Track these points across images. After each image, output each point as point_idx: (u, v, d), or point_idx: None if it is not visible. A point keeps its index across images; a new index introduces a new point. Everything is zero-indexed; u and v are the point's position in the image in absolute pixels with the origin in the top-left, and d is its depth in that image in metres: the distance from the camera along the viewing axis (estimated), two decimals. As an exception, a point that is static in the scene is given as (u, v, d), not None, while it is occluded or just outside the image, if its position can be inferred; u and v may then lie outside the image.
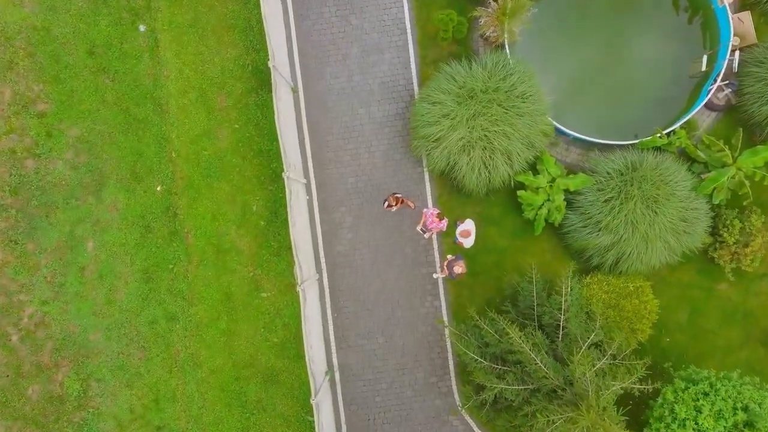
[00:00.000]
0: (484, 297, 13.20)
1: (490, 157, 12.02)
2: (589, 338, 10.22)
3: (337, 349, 13.25)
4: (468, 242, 11.88)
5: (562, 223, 12.59)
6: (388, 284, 13.27)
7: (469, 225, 11.89)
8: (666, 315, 12.89)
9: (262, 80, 13.43)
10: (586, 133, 12.89)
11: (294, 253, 11.26)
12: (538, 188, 12.51)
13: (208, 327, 13.40)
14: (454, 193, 13.28)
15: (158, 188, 13.58)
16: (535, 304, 11.29)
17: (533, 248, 13.21)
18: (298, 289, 11.25)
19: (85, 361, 13.39)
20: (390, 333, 13.25)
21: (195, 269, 13.46)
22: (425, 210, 12.16)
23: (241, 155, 13.46)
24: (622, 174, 12.05)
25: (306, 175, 13.40)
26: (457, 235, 12.07)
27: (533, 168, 12.62)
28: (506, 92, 11.96)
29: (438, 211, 11.82)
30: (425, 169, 13.33)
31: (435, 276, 13.21)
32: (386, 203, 12.36)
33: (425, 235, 12.28)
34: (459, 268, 11.69)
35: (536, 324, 11.38)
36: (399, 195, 12.48)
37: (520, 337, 9.90)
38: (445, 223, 11.92)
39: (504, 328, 10.35)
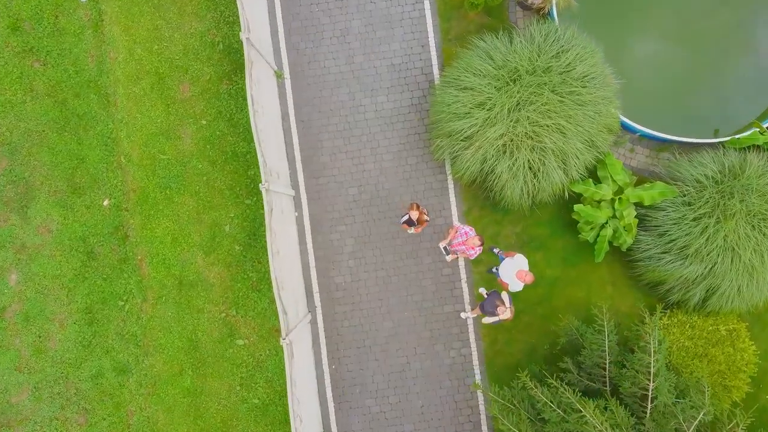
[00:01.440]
0: (527, 344, 10.13)
1: (539, 159, 8.96)
2: (697, 418, 7.16)
3: (336, 411, 10.16)
4: (518, 286, 8.78)
5: (633, 247, 9.54)
6: (403, 327, 10.20)
7: (522, 263, 8.74)
8: (766, 365, 9.85)
9: (236, 63, 10.38)
10: (655, 128, 9.87)
11: (276, 293, 8.18)
12: (600, 201, 9.46)
13: (168, 384, 10.31)
14: (487, 207, 10.24)
15: (104, 203, 10.50)
16: (607, 362, 8.22)
17: (590, 279, 10.16)
18: (282, 343, 8.16)
19: None
20: (405, 391, 10.16)
21: (151, 308, 10.36)
22: (459, 226, 9.08)
23: (209, 160, 10.39)
24: (717, 183, 9.00)
25: (294, 186, 10.34)
26: (499, 272, 8.99)
27: (592, 176, 9.57)
28: (561, 74, 8.92)
29: (479, 238, 8.71)
30: (449, 177, 10.28)
31: (464, 316, 10.15)
32: (405, 219, 9.30)
33: (447, 257, 9.26)
34: (504, 312, 8.62)
35: (608, 389, 8.32)
36: (423, 208, 9.49)
37: (599, 418, 6.82)
38: (479, 251, 8.85)
39: (571, 402, 7.27)
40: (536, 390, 7.71)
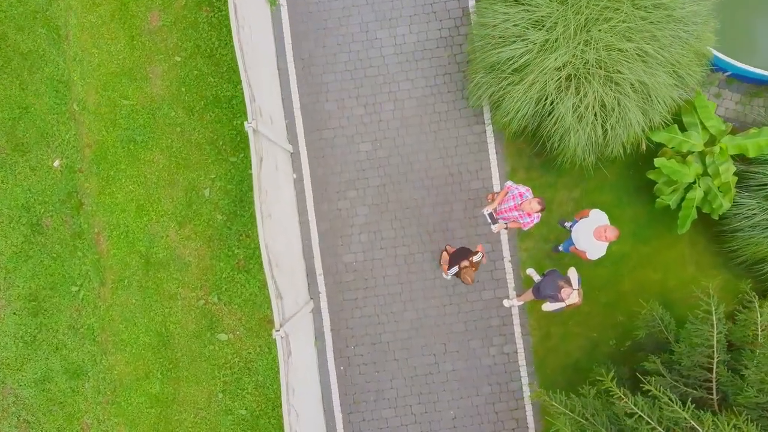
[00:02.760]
0: (587, 339, 7.98)
1: (614, 96, 6.83)
2: None
3: (345, 424, 8.01)
4: (600, 249, 6.63)
5: (729, 213, 7.41)
6: (429, 318, 8.05)
7: (600, 217, 6.64)
8: None
9: (219, -16, 8.24)
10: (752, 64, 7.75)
11: (266, 269, 6.02)
12: (688, 154, 7.33)
13: (132, 390, 8.14)
14: (536, 167, 8.10)
15: (54, 164, 8.35)
16: (715, 362, 6.08)
17: (668, 257, 8.02)
18: (275, 335, 6.02)
19: (-72, 447, 8.12)
20: (432, 398, 8.02)
21: (111, 295, 8.21)
22: (511, 185, 6.92)
23: (185, 107, 8.23)
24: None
25: (292, 141, 8.18)
26: (573, 240, 6.87)
27: (675, 123, 7.43)
28: (644, -18, 6.79)
29: (539, 201, 6.53)
30: (489, 128, 8.14)
31: (507, 304, 8.00)
32: (453, 269, 7.04)
33: (493, 227, 7.09)
34: (571, 295, 6.48)
35: (714, 397, 6.18)
36: (473, 257, 6.94)
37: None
38: (537, 219, 6.70)
39: (678, 417, 5.12)
40: (626, 399, 5.55)
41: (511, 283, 8.04)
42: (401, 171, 8.13)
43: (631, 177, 8.01)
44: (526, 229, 6.89)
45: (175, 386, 8.07)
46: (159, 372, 8.08)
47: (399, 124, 8.16)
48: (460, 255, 6.96)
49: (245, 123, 6.16)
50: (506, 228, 7.02)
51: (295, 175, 8.18)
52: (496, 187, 8.09)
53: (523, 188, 6.72)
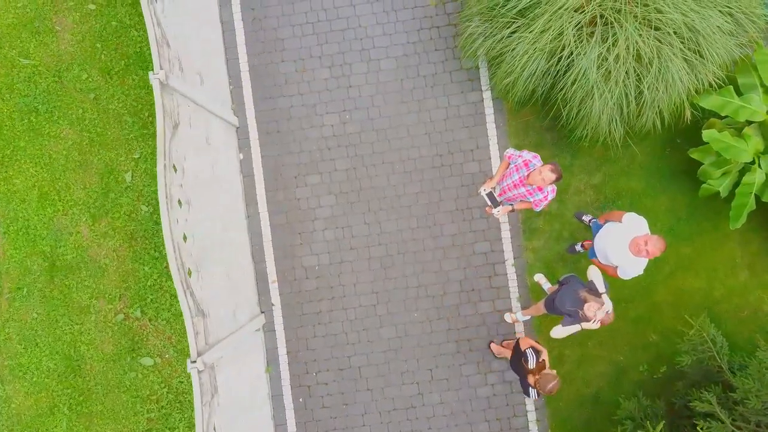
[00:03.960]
0: (611, 364, 6.29)
1: (653, 47, 5.15)
2: None
3: (305, 472, 6.29)
4: (638, 266, 4.91)
5: (798, 203, 5.75)
6: (412, 336, 6.34)
7: (638, 225, 4.89)
8: None
9: None
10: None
11: (175, 277, 4.29)
12: (745, 125, 5.67)
13: (32, 428, 6.39)
14: (547, 144, 6.41)
15: (-59, 141, 6.60)
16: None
17: (714, 260, 6.34)
18: (190, 368, 4.29)
19: None
20: (415, 439, 6.31)
21: (8, 307, 6.46)
22: (513, 153, 5.18)
23: (101, 68, 6.50)
24: None
25: (239, 111, 6.47)
26: (596, 249, 5.18)
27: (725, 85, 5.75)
28: None
29: (553, 167, 4.79)
30: (487, 94, 6.44)
31: (510, 319, 6.30)
32: (531, 391, 5.20)
33: (494, 211, 5.27)
34: (598, 313, 4.78)
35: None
36: (541, 356, 5.17)
37: None
38: (552, 193, 4.99)
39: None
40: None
41: (514, 293, 6.34)
42: (376, 150, 6.42)
43: (668, 157, 6.33)
44: (538, 209, 5.17)
45: (87, 424, 6.33)
46: (66, 406, 6.33)
47: (373, 91, 6.45)
48: (518, 361, 5.22)
49: (150, 73, 4.44)
50: (512, 210, 5.30)
51: (241, 155, 6.47)
52: (495, 171, 6.39)
53: (528, 154, 5.01)
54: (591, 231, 6.00)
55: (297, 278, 6.41)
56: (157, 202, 6.09)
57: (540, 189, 4.96)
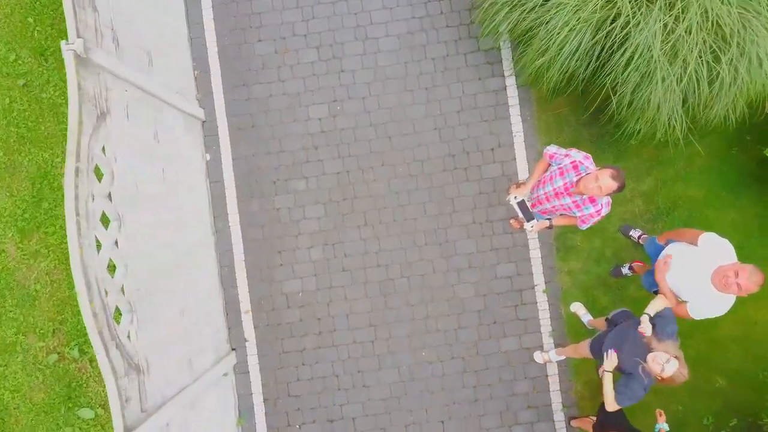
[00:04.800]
0: (668, 413, 5.05)
1: (737, 17, 3.94)
2: None
3: None
4: (722, 305, 3.68)
5: None
6: (418, 380, 5.11)
7: (722, 250, 3.65)
8: None
9: None
10: None
11: (87, 318, 3.02)
12: None
13: (-54, 495, 5.14)
14: (584, 141, 5.19)
15: None
16: None
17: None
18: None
19: None
20: None
21: None
22: (555, 152, 3.89)
23: (33, 47, 5.28)
24: None
25: (206, 102, 5.24)
26: (669, 275, 3.95)
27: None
28: None
29: (614, 172, 3.53)
30: (512, 81, 5.22)
31: (540, 359, 5.07)
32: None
33: (527, 225, 4.01)
34: (666, 367, 3.55)
35: None
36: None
37: None
38: (607, 206, 3.75)
39: None
40: None
41: (545, 326, 5.12)
42: (375, 150, 5.20)
43: (735, 158, 5.13)
44: (585, 226, 3.92)
45: (13, 492, 5.07)
46: (-13, 469, 5.08)
47: (371, 77, 5.23)
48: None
49: (62, 43, 3.21)
50: (550, 227, 4.06)
51: (208, 156, 5.24)
52: (523, 174, 5.18)
53: (578, 154, 3.77)
54: (643, 250, 4.81)
55: (276, 307, 5.17)
56: (100, 215, 4.86)
57: (592, 200, 3.74)
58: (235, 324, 5.16)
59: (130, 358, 3.32)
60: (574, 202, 3.79)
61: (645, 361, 3.68)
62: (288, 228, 5.20)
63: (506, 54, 5.19)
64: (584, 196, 3.73)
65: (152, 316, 3.70)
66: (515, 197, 3.93)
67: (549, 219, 4.00)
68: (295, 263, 5.18)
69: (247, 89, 5.25)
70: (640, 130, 4.64)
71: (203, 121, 5.23)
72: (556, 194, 3.84)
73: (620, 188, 3.55)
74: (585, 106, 4.87)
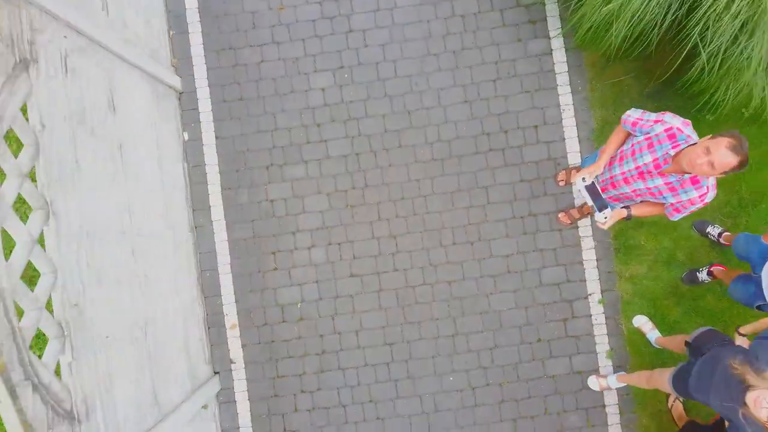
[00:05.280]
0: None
1: None
2: None
3: None
4: None
5: None
6: (446, 411, 4.12)
7: None
8: None
9: None
10: None
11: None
12: None
13: None
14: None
15: None
16: None
17: None
18: None
19: None
20: None
21: None
22: (639, 117, 2.85)
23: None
24: None
25: (184, 69, 4.26)
26: None
27: None
28: None
29: (730, 141, 2.53)
30: (559, 42, 4.24)
31: (597, 385, 4.08)
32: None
33: (598, 216, 2.90)
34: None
35: None
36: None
37: None
38: (713, 189, 2.75)
39: None
40: None
41: (602, 345, 4.14)
42: (390, 128, 4.23)
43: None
44: (678, 216, 2.91)
45: None
46: None
47: (386, 38, 4.26)
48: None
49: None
50: (627, 218, 3.04)
51: (186, 135, 4.27)
52: (573, 158, 4.20)
53: (674, 119, 2.75)
54: (724, 251, 3.84)
55: (269, 322, 4.20)
56: None
57: (695, 182, 2.76)
58: (219, 342, 4.19)
59: (59, 402, 2.35)
60: (667, 184, 2.81)
61: (743, 403, 2.68)
62: (284, 224, 4.22)
63: (552, 9, 4.22)
64: (684, 176, 2.75)
65: (97, 339, 2.73)
66: (583, 179, 2.94)
67: (627, 207, 3.02)
68: (293, 267, 4.21)
69: (233, 53, 4.28)
70: (727, 99, 3.67)
71: (180, 93, 4.26)
72: (641, 174, 2.86)
73: (741, 165, 2.57)
74: (653, 72, 3.90)
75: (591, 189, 2.95)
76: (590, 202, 2.95)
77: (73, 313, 2.59)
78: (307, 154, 4.24)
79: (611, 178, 2.99)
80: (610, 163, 3.00)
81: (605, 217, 2.92)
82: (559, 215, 4.10)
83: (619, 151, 2.95)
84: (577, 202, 4.15)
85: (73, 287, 2.62)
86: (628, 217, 2.98)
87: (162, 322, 3.49)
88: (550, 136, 4.21)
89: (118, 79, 3.34)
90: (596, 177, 3.04)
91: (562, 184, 4.13)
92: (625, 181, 2.92)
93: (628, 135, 2.93)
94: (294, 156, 4.24)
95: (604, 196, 3.06)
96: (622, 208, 2.99)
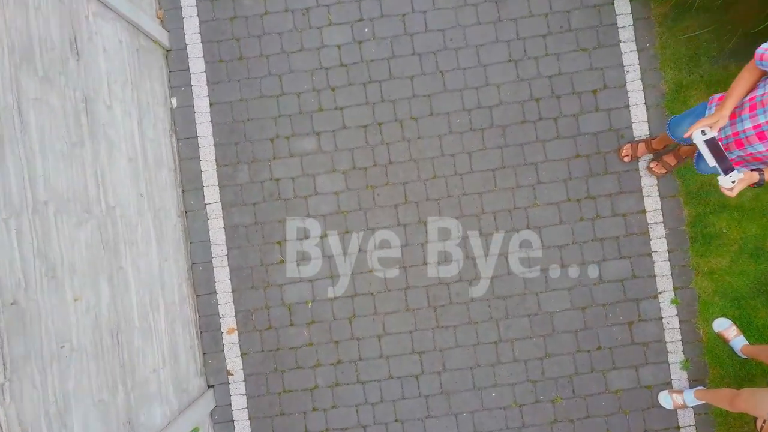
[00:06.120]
0: None
1: None
2: None
3: None
4: None
5: None
6: (486, 430, 3.42)
7: None
8: None
9: None
10: None
11: None
12: None
13: None
14: (733, 75, 3.47)
15: None
16: None
17: None
18: None
19: None
20: None
21: None
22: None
23: None
24: None
25: (170, 19, 3.56)
26: None
27: None
28: None
29: None
30: (626, -12, 3.54)
31: (669, 402, 3.36)
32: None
33: (722, 181, 2.22)
34: None
35: None
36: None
37: None
38: None
39: None
40: None
41: (675, 354, 3.42)
42: (419, 92, 3.52)
43: None
44: None
45: None
46: None
47: (414, -15, 3.55)
48: None
49: None
50: (759, 184, 2.30)
51: (174, 101, 3.56)
52: (639, 129, 3.48)
53: None
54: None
55: (274, 325, 3.50)
56: None
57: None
58: (213, 350, 3.49)
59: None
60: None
61: None
62: (292, 208, 3.52)
63: (616, -52, 3.52)
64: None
65: (47, 349, 2.02)
66: (703, 132, 2.23)
67: (758, 170, 2.30)
68: (302, 260, 3.50)
69: (231, 3, 3.58)
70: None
71: (167, 50, 3.56)
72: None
73: None
74: (737, 24, 3.19)
75: (713, 146, 2.23)
76: (712, 163, 2.23)
77: (8, 314, 1.89)
78: (319, 124, 3.53)
79: (735, 134, 2.28)
80: (733, 116, 2.29)
81: (732, 182, 2.21)
82: (651, 164, 3.39)
83: (747, 98, 2.24)
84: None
85: (9, 279, 1.92)
86: (761, 183, 2.28)
87: (141, 325, 2.78)
88: (611, 103, 3.50)
89: (83, 19, 2.63)
90: (717, 134, 2.32)
91: (627, 159, 3.42)
92: (759, 137, 2.20)
93: (761, 76, 2.22)
94: (304, 126, 3.53)
95: (737, 154, 2.35)
96: (752, 171, 2.29)
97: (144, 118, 3.17)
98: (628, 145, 3.43)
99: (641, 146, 3.34)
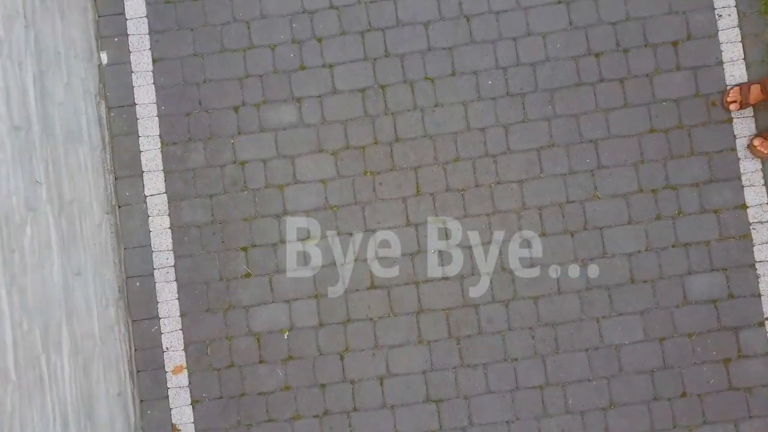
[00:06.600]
0: None
1: None
2: None
3: None
4: None
5: None
6: None
7: None
8: None
9: None
10: None
11: None
12: None
13: None
14: None
15: None
16: None
17: None
18: None
19: None
20: None
21: None
22: None
23: None
24: None
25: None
26: None
27: None
28: None
29: None
30: None
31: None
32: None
33: None
34: None
35: None
36: None
37: None
38: None
39: None
40: None
41: (791, 403, 2.49)
42: (436, 44, 2.59)
43: None
44: None
45: None
46: None
47: None
48: None
49: None
50: None
51: (105, 57, 2.62)
52: (734, 75, 2.55)
53: None
54: None
55: (237, 362, 2.55)
56: None
57: None
58: (154, 396, 2.55)
59: None
60: None
61: None
62: (262, 201, 2.58)
63: None
64: None
65: None
66: None
67: None
68: (276, 272, 2.57)
69: (181, -75, 2.64)
70: None
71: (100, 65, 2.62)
72: None
73: None
74: None
75: None
76: None
77: None
78: (300, 88, 2.60)
79: None
80: None
81: None
82: (754, 141, 2.47)
83: None
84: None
85: None
86: None
87: (23, 377, 1.83)
88: (698, 58, 2.57)
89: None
90: None
91: (734, 108, 2.50)
92: None
93: None
94: (280, 90, 2.60)
95: None
96: None
97: (47, 73, 2.22)
98: (737, 88, 2.50)
99: (755, 89, 2.43)
